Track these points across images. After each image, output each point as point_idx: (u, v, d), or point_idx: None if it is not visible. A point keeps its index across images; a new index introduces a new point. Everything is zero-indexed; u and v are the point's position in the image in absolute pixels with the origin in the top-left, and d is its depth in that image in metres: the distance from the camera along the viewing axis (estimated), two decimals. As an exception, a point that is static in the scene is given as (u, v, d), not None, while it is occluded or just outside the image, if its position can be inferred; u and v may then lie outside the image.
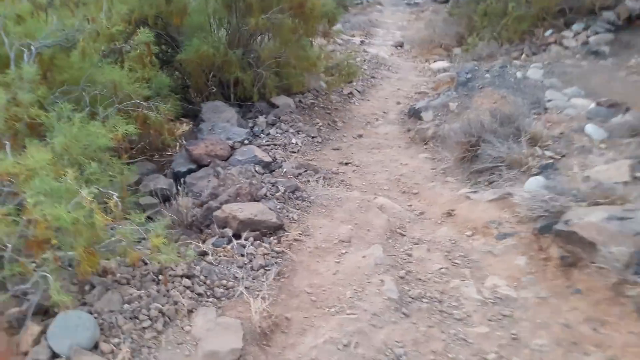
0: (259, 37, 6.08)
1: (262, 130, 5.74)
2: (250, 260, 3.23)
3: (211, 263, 3.09)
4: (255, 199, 3.85)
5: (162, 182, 4.19)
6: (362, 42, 12.14)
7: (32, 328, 2.28)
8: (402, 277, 3.50)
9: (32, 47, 3.31)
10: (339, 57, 7.00)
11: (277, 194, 4.10)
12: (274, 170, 4.84)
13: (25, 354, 2.32)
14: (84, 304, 2.62)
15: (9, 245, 2.10)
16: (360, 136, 6.63)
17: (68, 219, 1.97)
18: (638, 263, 3.21)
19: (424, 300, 3.34)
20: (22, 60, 3.30)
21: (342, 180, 5.17)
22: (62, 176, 2.19)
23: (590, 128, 5.65)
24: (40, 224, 1.95)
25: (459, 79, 7.56)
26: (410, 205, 4.85)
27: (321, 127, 6.49)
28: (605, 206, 3.83)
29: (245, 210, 3.50)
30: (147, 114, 3.66)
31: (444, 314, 3.29)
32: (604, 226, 3.51)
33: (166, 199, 4.02)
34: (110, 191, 2.27)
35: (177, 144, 5.13)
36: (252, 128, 5.75)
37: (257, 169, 4.67)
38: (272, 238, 3.53)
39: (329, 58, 6.67)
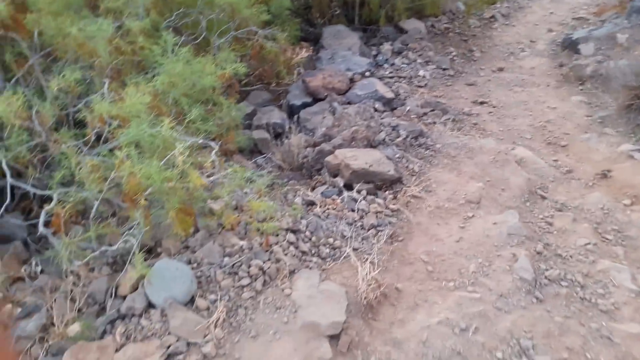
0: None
1: (387, 60, 5.17)
2: (361, 217, 2.90)
3: (318, 216, 2.81)
4: (372, 144, 3.44)
5: (275, 116, 3.95)
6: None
7: (132, 273, 2.22)
8: (538, 253, 2.95)
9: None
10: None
11: (398, 139, 3.63)
12: (395, 108, 4.34)
13: (124, 298, 2.29)
14: (186, 247, 2.52)
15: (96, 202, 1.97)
16: (500, 70, 5.75)
17: (159, 179, 1.78)
18: None
19: (562, 283, 2.79)
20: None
21: (475, 124, 4.51)
22: (161, 121, 1.99)
23: None
24: (130, 180, 1.78)
25: (633, 4, 6.11)
26: (556, 161, 4.11)
27: (455, 57, 5.72)
28: None
29: (359, 158, 3.12)
30: (262, 44, 3.34)
31: (586, 302, 2.73)
32: None
33: (279, 134, 3.79)
34: (210, 143, 2.02)
35: (295, 71, 4.81)
36: (375, 57, 5.21)
37: (376, 106, 4.21)
38: (387, 192, 3.13)
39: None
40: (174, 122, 2.11)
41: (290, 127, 3.70)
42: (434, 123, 4.27)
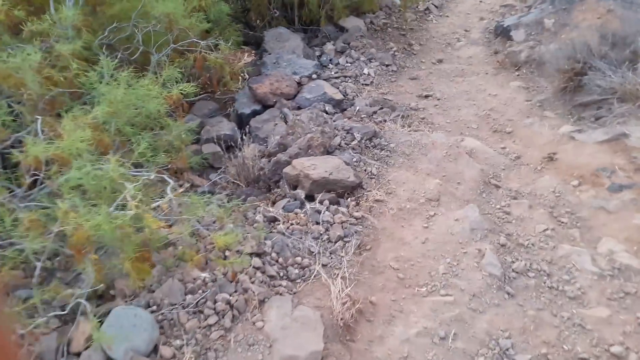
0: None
1: (331, 60, 5.12)
2: (327, 230, 2.82)
3: (283, 233, 2.71)
4: (328, 150, 3.37)
5: (225, 127, 3.80)
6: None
7: (84, 325, 1.99)
8: (502, 245, 3.00)
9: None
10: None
11: (353, 142, 3.58)
12: (345, 110, 4.30)
13: (78, 355, 2.05)
14: (142, 286, 2.33)
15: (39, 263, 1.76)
16: (440, 61, 5.84)
17: (109, 229, 1.61)
18: None
19: (530, 274, 2.86)
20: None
21: (423, 118, 4.55)
22: (106, 159, 1.81)
23: None
24: (76, 233, 1.60)
25: (556, -11, 6.38)
26: (504, 148, 4.21)
27: (396, 53, 5.75)
28: None
29: (318, 167, 3.04)
30: (205, 55, 3.18)
31: (555, 291, 2.81)
32: None
33: (230, 147, 3.64)
34: (165, 177, 1.87)
35: (240, 78, 4.65)
36: (319, 57, 5.15)
37: (327, 108, 4.15)
38: (349, 200, 3.08)
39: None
40: (120, 155, 1.93)
41: (242, 138, 3.56)
42: (385, 121, 4.27)
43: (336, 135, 3.57)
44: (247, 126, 3.88)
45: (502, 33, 6.18)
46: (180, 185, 2.86)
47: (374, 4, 5.76)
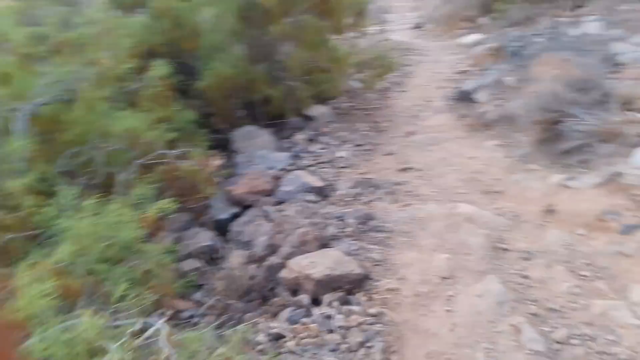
0: (283, 46, 5.34)
1: (304, 150, 5.00)
2: (344, 337, 2.44)
3: (293, 352, 2.33)
4: (324, 243, 3.09)
5: (203, 238, 3.50)
6: (381, 30, 11.28)
7: None
8: (534, 315, 2.70)
9: (22, 111, 2.63)
10: (371, 52, 6.20)
11: (348, 229, 3.32)
12: (328, 196, 4.09)
13: None
14: None
15: None
16: (411, 133, 5.81)
17: None
18: None
19: (573, 342, 2.54)
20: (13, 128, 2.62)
21: (409, 192, 4.36)
22: (77, 311, 1.47)
23: (688, 76, 4.71)
24: None
25: (507, 50, 6.65)
26: (499, 208, 4.02)
27: (366, 132, 5.71)
28: None
29: (318, 264, 2.74)
30: (175, 166, 2.96)
31: (605, 356, 2.49)
32: None
33: (213, 259, 3.32)
34: (156, 323, 1.52)
35: (213, 183, 4.42)
36: (291, 149, 5.02)
37: (310, 198, 3.93)
38: (360, 295, 2.74)
39: (361, 54, 5.89)
40: (95, 305, 1.59)
41: (224, 247, 3.25)
42: (372, 201, 4.06)
43: (328, 225, 3.31)
44: (228, 232, 3.59)
45: (464, 97, 6.27)
46: (162, 314, 2.48)
47: (336, 89, 5.81)
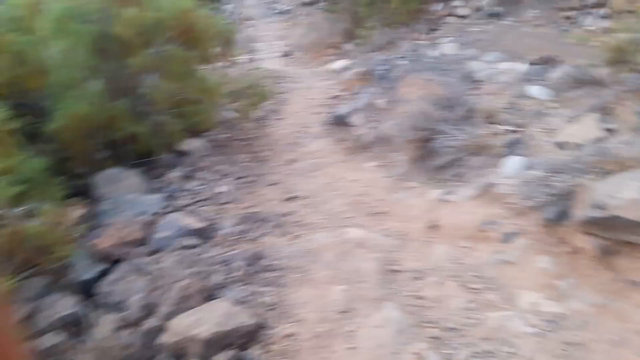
0: (147, 79, 4.91)
1: (179, 188, 4.59)
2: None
3: None
4: (209, 295, 2.75)
5: (63, 305, 2.94)
6: (251, 59, 11.21)
7: None
8: (435, 338, 2.64)
9: None
10: (243, 81, 6.01)
11: (235, 274, 3.01)
12: (211, 237, 3.74)
13: None
14: None
15: None
16: (292, 161, 5.69)
17: None
18: None
19: (475, 360, 2.50)
20: None
21: (297, 222, 4.20)
22: None
23: (535, 90, 5.24)
24: None
25: (375, 73, 6.90)
26: (387, 229, 4.02)
27: (246, 163, 5.46)
28: (622, 173, 3.25)
29: (204, 321, 2.39)
30: (19, 228, 2.44)
31: (507, 370, 2.48)
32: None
33: (78, 330, 2.79)
34: None
35: (73, 238, 3.83)
36: (164, 189, 4.57)
37: (191, 242, 3.56)
38: (255, 348, 2.45)
39: (233, 83, 5.67)
40: None
41: (91, 313, 2.75)
42: (260, 237, 3.81)
43: (213, 272, 2.97)
44: (96, 294, 3.08)
45: (340, 122, 6.33)
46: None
47: (210, 121, 5.49)
